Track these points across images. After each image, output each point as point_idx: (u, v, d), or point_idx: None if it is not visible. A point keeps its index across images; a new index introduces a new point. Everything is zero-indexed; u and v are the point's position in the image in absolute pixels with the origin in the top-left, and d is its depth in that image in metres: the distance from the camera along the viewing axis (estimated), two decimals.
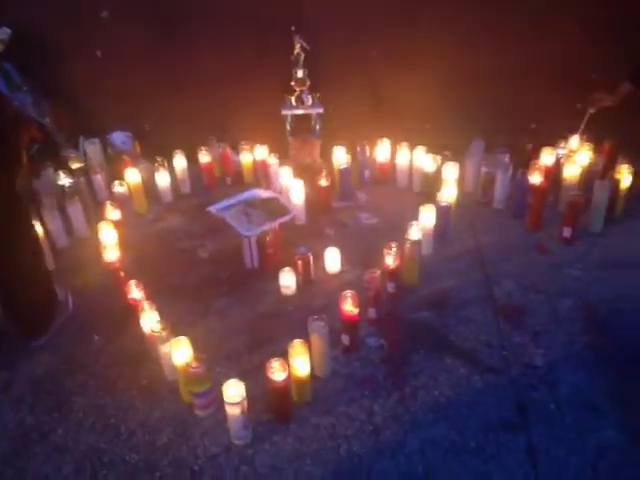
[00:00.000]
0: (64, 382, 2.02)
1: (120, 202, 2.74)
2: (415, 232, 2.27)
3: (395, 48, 3.11)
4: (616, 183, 2.62)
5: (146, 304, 2.00)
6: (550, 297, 2.28)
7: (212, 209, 2.50)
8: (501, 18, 3.02)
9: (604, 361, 1.98)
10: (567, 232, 2.53)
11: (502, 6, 2.98)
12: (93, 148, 3.16)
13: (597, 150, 2.86)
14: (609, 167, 2.78)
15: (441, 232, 2.55)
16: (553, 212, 2.74)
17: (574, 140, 2.90)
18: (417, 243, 2.26)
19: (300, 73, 2.97)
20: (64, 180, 2.83)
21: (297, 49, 2.91)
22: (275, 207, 2.45)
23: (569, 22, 2.98)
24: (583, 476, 1.63)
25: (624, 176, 2.61)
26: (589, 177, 2.76)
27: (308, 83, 2.99)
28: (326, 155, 3.08)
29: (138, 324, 2.04)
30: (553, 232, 2.63)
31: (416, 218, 2.42)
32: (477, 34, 3.05)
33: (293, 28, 2.88)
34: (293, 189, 2.70)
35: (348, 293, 1.98)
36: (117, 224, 2.52)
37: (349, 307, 1.98)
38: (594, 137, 2.90)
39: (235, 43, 3.11)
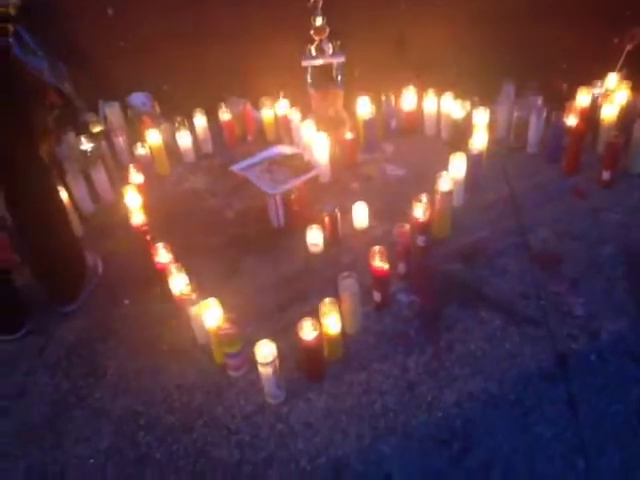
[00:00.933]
0: (96, 347, 2.04)
1: (142, 164, 2.71)
2: (445, 182, 2.18)
3: None
4: None
5: (174, 267, 1.98)
6: (588, 243, 2.19)
7: (235, 168, 2.45)
8: None
9: None
10: (606, 175, 2.41)
11: None
12: (113, 111, 3.11)
13: (636, 88, 2.68)
14: None
15: (472, 181, 2.45)
16: (590, 155, 2.60)
17: (611, 78, 2.73)
18: (448, 194, 2.18)
19: (319, 20, 2.83)
20: (86, 145, 2.80)
21: None
22: (299, 163, 2.38)
23: None
24: (628, 424, 1.59)
25: None
26: (628, 117, 2.60)
27: (328, 31, 2.86)
28: (350, 106, 2.97)
29: (167, 287, 2.03)
30: (591, 175, 2.51)
31: (445, 168, 2.32)
32: None
33: None
34: (316, 144, 2.61)
35: (377, 248, 1.93)
36: (141, 187, 2.49)
37: (379, 263, 1.93)
38: (632, 74, 2.72)
39: None
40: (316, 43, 2.88)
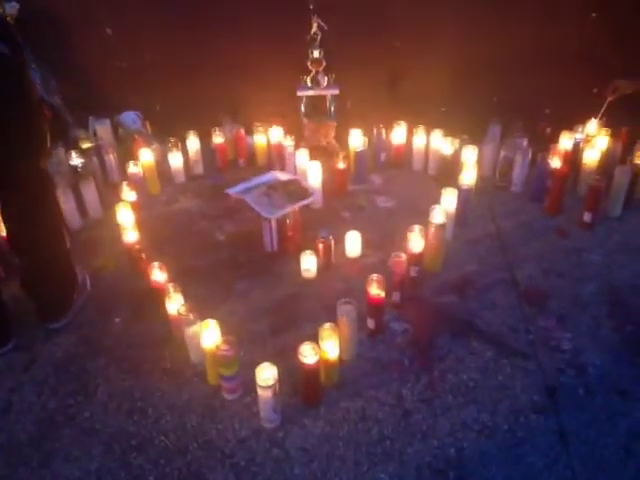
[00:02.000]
0: (86, 365, 2.00)
1: (134, 183, 2.70)
2: (439, 215, 2.24)
3: (412, 32, 3.07)
4: (635, 168, 2.60)
5: (171, 286, 1.97)
6: (572, 281, 2.28)
7: (231, 191, 2.47)
8: (517, 2, 2.98)
9: (631, 344, 1.98)
10: (587, 217, 2.52)
11: None
12: (104, 128, 3.10)
13: (615, 135, 2.84)
14: (627, 152, 2.77)
15: (461, 216, 2.53)
16: (571, 196, 2.72)
17: (592, 125, 2.88)
18: (442, 227, 2.24)
19: (316, 53, 2.91)
20: (76, 160, 2.78)
21: (314, 29, 2.85)
22: (296, 189, 2.41)
23: (586, 7, 2.95)
24: (616, 457, 1.64)
25: None
26: (607, 162, 2.75)
27: (324, 64, 2.94)
28: (342, 138, 3.04)
29: (160, 307, 2.02)
30: (572, 216, 2.62)
31: (432, 201, 2.36)
32: (493, 18, 3.01)
33: (311, 7, 2.82)
34: (310, 172, 2.66)
35: (374, 276, 1.96)
36: (134, 205, 2.48)
37: (375, 290, 1.96)
38: (612, 122, 2.88)
39: (250, 22, 3.05)
40: (312, 75, 2.96)
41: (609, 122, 2.87)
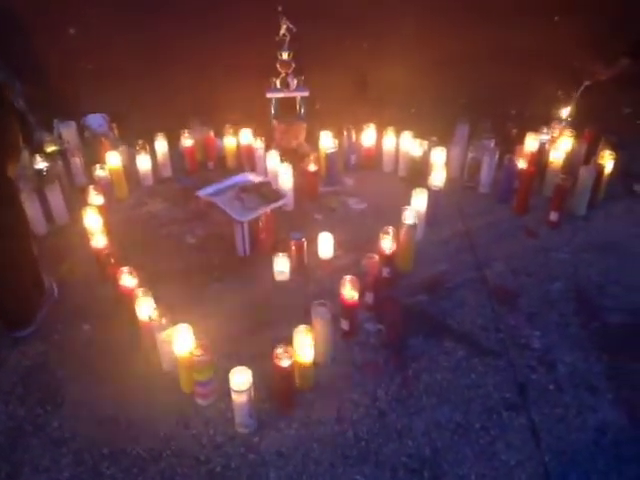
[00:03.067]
0: (54, 373, 1.95)
1: (101, 186, 2.65)
2: (411, 216, 2.26)
3: (380, 34, 3.09)
4: (599, 168, 2.67)
5: (141, 291, 1.94)
6: (540, 280, 2.32)
7: (201, 193, 2.44)
8: (484, 4, 3.03)
9: (598, 341, 2.03)
10: (554, 216, 2.58)
11: None
12: (69, 131, 3.04)
13: (579, 136, 2.91)
14: (591, 153, 2.84)
15: (431, 216, 2.55)
16: (537, 196, 2.77)
17: (567, 111, 2.95)
18: (413, 227, 2.26)
19: (285, 55, 2.91)
20: (41, 164, 2.72)
21: (283, 30, 2.85)
22: (268, 191, 2.40)
23: (550, 9, 3.02)
24: (586, 451, 1.67)
25: (607, 161, 2.67)
26: (572, 163, 2.81)
27: (293, 66, 2.94)
28: (312, 140, 3.04)
29: (129, 312, 1.98)
30: (539, 216, 2.68)
31: (403, 203, 2.39)
32: (461, 20, 3.06)
33: (280, 8, 2.81)
34: (281, 174, 2.65)
35: (348, 278, 1.96)
36: (101, 209, 2.43)
37: (349, 292, 1.96)
38: (576, 124, 2.96)
39: (219, 22, 3.03)
40: (281, 77, 2.95)
41: (574, 124, 2.95)
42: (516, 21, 3.04)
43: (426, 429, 1.75)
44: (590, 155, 2.83)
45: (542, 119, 3.01)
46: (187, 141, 3.01)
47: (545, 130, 2.94)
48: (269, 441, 1.72)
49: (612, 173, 2.73)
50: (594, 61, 2.84)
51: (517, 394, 1.85)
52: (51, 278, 2.27)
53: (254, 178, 2.54)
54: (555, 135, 2.91)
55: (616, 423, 1.74)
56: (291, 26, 2.84)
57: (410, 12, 3.05)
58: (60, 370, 1.96)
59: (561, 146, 2.78)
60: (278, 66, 2.93)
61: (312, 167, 2.80)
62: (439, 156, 2.77)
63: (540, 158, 2.83)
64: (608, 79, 2.81)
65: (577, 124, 2.95)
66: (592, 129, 2.93)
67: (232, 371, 1.65)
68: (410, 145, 2.93)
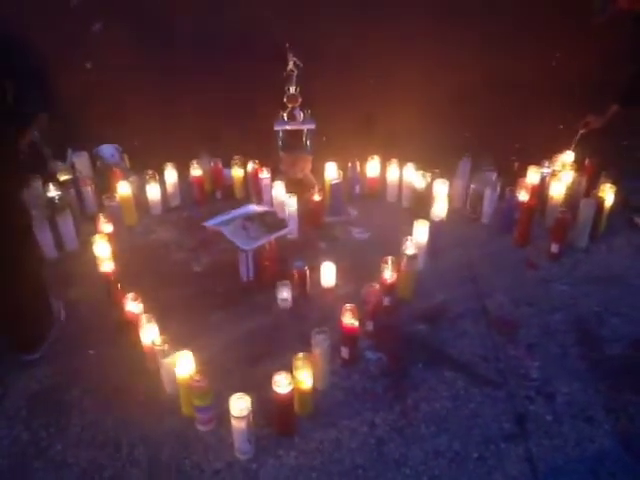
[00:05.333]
0: (59, 397, 1.99)
1: (111, 215, 2.72)
2: (411, 247, 2.30)
3: (386, 70, 3.19)
4: (600, 201, 2.71)
5: (145, 317, 1.98)
6: (541, 311, 2.35)
7: (208, 224, 2.50)
8: (490, 40, 3.12)
9: (596, 372, 2.04)
10: (555, 248, 2.61)
11: (486, 29, 3.09)
12: (82, 160, 3.13)
13: (580, 169, 2.95)
14: (592, 186, 2.88)
15: (433, 247, 2.59)
16: (538, 228, 2.81)
17: (568, 156, 3.00)
18: (414, 258, 2.29)
19: (292, 89, 2.99)
20: (53, 192, 2.80)
21: (290, 66, 2.94)
22: (272, 221, 2.46)
23: (551, 46, 3.11)
24: None
25: (607, 194, 2.71)
26: (573, 195, 2.85)
27: (300, 100, 3.02)
28: (317, 171, 3.11)
29: (134, 337, 2.03)
30: (540, 247, 2.70)
31: (406, 233, 2.44)
32: (466, 55, 3.15)
33: (288, 45, 2.91)
34: (287, 204, 2.72)
35: (348, 306, 2.00)
36: (110, 237, 2.50)
37: (349, 320, 2.00)
38: (577, 157, 3.01)
39: (229, 58, 3.14)
40: (288, 110, 3.03)
41: (575, 157, 3.01)
42: (519, 58, 3.12)
43: (424, 458, 1.76)
44: (591, 188, 2.87)
45: (544, 153, 3.06)
46: (196, 171, 3.08)
47: (547, 164, 2.99)
48: (268, 468, 1.74)
49: (613, 206, 2.77)
50: (586, 112, 2.93)
51: (515, 424, 1.86)
52: (59, 303, 2.32)
53: (258, 208, 2.60)
54: (557, 169, 2.96)
55: (613, 454, 1.75)
56: (298, 62, 2.93)
57: (417, 48, 3.14)
58: (66, 394, 2.00)
59: (562, 179, 2.83)
60: (285, 100, 3.01)
61: (317, 197, 2.86)
62: (441, 188, 2.82)
63: (541, 191, 2.88)
64: (601, 127, 2.88)
65: (577, 156, 3.01)
66: (592, 161, 2.98)
67: (232, 397, 1.68)
68: (413, 176, 2.99)
